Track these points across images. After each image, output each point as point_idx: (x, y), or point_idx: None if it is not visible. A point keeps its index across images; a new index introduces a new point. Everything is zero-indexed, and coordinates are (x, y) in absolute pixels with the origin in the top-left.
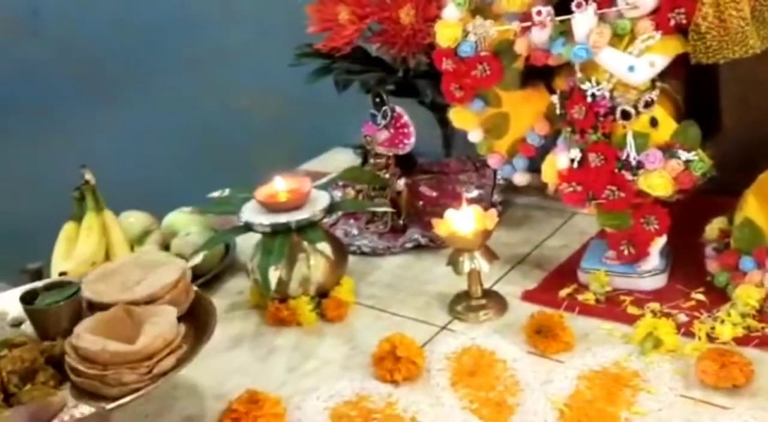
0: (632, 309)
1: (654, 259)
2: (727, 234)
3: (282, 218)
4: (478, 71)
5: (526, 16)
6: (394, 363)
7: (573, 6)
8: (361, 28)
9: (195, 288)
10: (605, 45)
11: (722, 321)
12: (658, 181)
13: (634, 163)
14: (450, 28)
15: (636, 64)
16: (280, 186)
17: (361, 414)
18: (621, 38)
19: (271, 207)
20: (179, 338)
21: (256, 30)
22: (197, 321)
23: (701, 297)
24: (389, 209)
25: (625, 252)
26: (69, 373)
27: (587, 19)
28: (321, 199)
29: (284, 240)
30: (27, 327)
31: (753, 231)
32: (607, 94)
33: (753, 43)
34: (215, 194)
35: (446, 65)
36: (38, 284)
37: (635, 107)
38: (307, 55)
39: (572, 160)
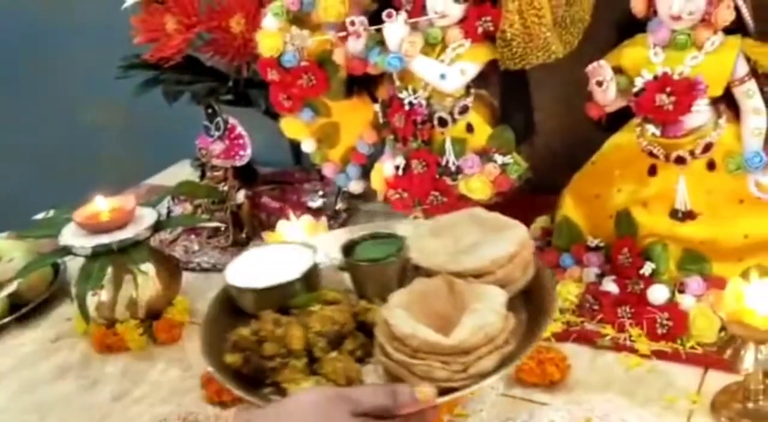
0: None
1: None
2: (548, 233)
3: (104, 239)
4: (304, 81)
5: (342, 26)
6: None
7: (384, 16)
8: (189, 38)
9: (537, 262)
10: (417, 53)
11: None
12: (477, 184)
13: (453, 168)
14: (271, 37)
15: (447, 72)
16: (101, 205)
17: None
18: (433, 47)
19: (91, 228)
20: (505, 333)
21: (100, 42)
22: (533, 305)
23: None
24: (218, 224)
25: None
26: (376, 349)
27: (398, 29)
28: (147, 217)
29: (105, 262)
30: (345, 279)
31: (571, 229)
32: (424, 102)
33: (556, 48)
34: (40, 216)
35: (272, 75)
36: (363, 232)
37: (451, 114)
38: (134, 67)
39: (397, 167)
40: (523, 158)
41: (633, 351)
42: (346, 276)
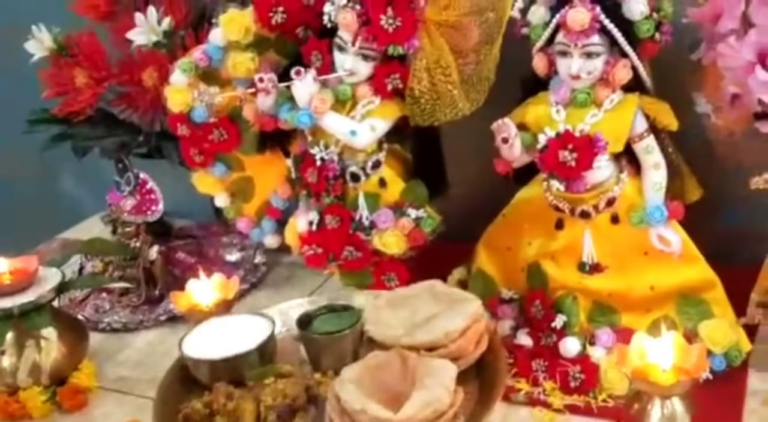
0: None
1: None
2: (465, 285)
3: (5, 302)
4: (215, 136)
5: (252, 83)
6: None
7: (293, 73)
8: (99, 92)
9: (491, 334)
10: (327, 110)
11: None
12: (392, 239)
13: (367, 223)
14: (180, 93)
15: (358, 129)
16: (1, 267)
17: None
18: (344, 103)
19: None
20: (454, 408)
21: (16, 89)
22: (484, 377)
23: None
24: (126, 285)
25: None
26: None
27: (308, 86)
28: (50, 279)
29: (5, 327)
30: (302, 350)
31: (485, 281)
32: (336, 158)
33: (462, 105)
34: None
35: (182, 131)
36: (318, 303)
37: (363, 169)
38: (41, 122)
39: (311, 223)
40: (436, 211)
41: (547, 405)
42: (303, 348)
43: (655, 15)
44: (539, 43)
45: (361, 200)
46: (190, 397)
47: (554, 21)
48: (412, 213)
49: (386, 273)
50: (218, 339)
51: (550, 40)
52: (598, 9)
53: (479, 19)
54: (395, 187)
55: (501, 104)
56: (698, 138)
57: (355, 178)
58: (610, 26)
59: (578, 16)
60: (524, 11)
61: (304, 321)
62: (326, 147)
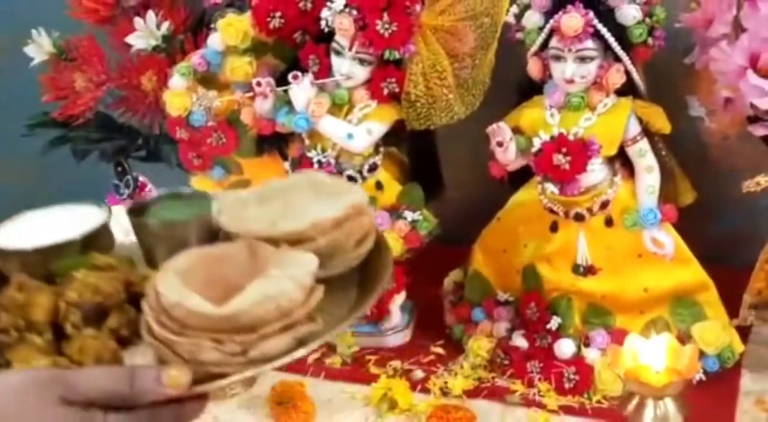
0: (375, 369)
1: (395, 317)
2: (462, 287)
3: None
4: (214, 139)
5: (250, 87)
6: None
7: (290, 78)
8: (98, 96)
9: (380, 237)
10: (324, 114)
11: (455, 374)
12: (389, 241)
13: None
14: (178, 97)
15: (354, 132)
16: None
17: None
18: (341, 107)
19: None
20: (306, 309)
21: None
22: (366, 285)
23: (440, 350)
24: None
25: (368, 313)
26: (142, 325)
27: (305, 90)
28: None
29: None
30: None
31: (481, 283)
32: (333, 161)
33: (458, 109)
34: None
35: (180, 134)
36: (162, 192)
37: (360, 172)
38: (41, 125)
39: None
40: (433, 214)
41: (542, 406)
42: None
43: (648, 20)
44: (534, 48)
45: None
46: None
47: (548, 26)
48: (409, 215)
49: None
50: (38, 231)
51: (545, 45)
52: (591, 14)
53: (474, 23)
54: (392, 189)
55: (496, 108)
56: (692, 141)
57: (352, 180)
58: (604, 31)
59: (572, 21)
60: (519, 16)
61: (138, 209)
62: (323, 150)
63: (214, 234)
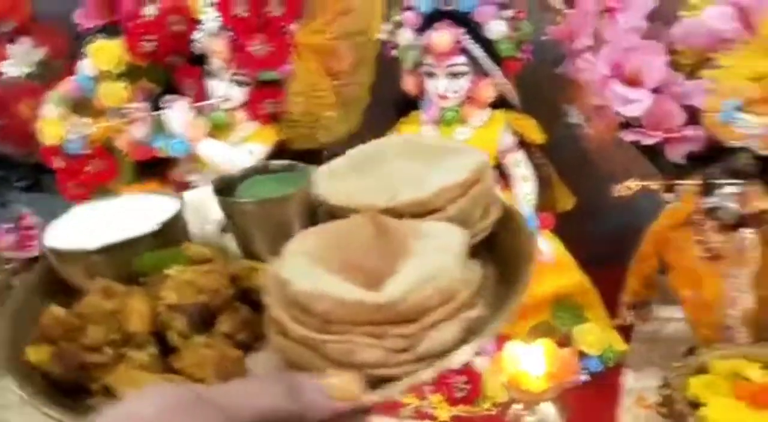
0: None
1: None
2: None
3: None
4: (92, 167)
5: (125, 112)
6: None
7: (166, 102)
8: None
9: (500, 196)
10: (202, 137)
11: None
12: None
13: None
14: (52, 125)
15: (234, 155)
16: None
17: None
18: (222, 129)
19: None
20: (469, 290)
21: None
22: (501, 258)
23: None
24: None
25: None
26: (268, 326)
27: (181, 114)
28: None
29: None
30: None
31: None
32: None
33: (340, 128)
34: None
35: (57, 163)
36: (248, 167)
37: None
38: None
39: None
40: None
41: (434, 418)
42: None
43: (515, 34)
44: (408, 64)
45: None
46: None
47: (420, 43)
48: None
49: None
50: (100, 226)
51: (419, 61)
52: (460, 30)
53: (351, 41)
54: None
55: (379, 125)
56: (572, 147)
57: None
58: (473, 47)
59: (441, 38)
60: (392, 33)
61: (227, 188)
62: (206, 174)
63: (314, 212)
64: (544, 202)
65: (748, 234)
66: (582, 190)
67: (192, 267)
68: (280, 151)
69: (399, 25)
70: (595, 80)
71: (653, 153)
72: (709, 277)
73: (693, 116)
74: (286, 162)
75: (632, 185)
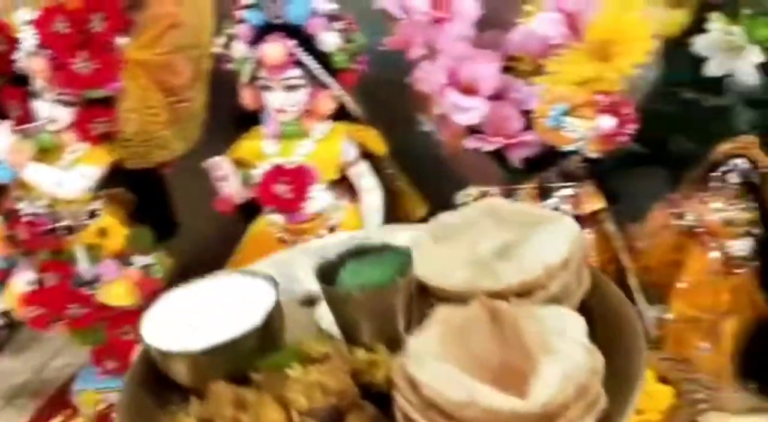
0: None
1: None
2: None
3: None
4: None
5: None
6: None
7: None
8: None
9: (590, 266)
10: (26, 162)
11: None
12: (120, 290)
13: (89, 276)
14: None
15: (64, 178)
16: None
17: None
18: (50, 152)
19: None
20: (598, 382)
21: None
22: (600, 332)
23: None
24: None
25: (110, 366)
26: None
27: (3, 138)
28: None
29: None
30: (325, 316)
31: None
32: (47, 211)
33: (176, 145)
34: None
35: None
36: (342, 249)
37: (79, 220)
38: None
39: (29, 282)
40: (168, 255)
41: None
42: (320, 316)
43: (348, 46)
44: (244, 78)
45: (80, 253)
46: (168, 408)
47: (253, 56)
48: (139, 260)
49: (122, 327)
50: (197, 318)
51: (255, 75)
52: (292, 43)
53: (185, 55)
54: (118, 235)
55: (219, 141)
56: (426, 155)
57: (71, 230)
58: (306, 59)
59: (273, 51)
60: (226, 46)
61: (328, 272)
62: (36, 200)
63: (410, 294)
64: (395, 212)
65: (584, 234)
66: (438, 198)
67: (314, 367)
68: (115, 172)
69: (232, 38)
70: (433, 90)
71: (501, 159)
72: None
73: (531, 122)
74: (381, 242)
75: (474, 193)
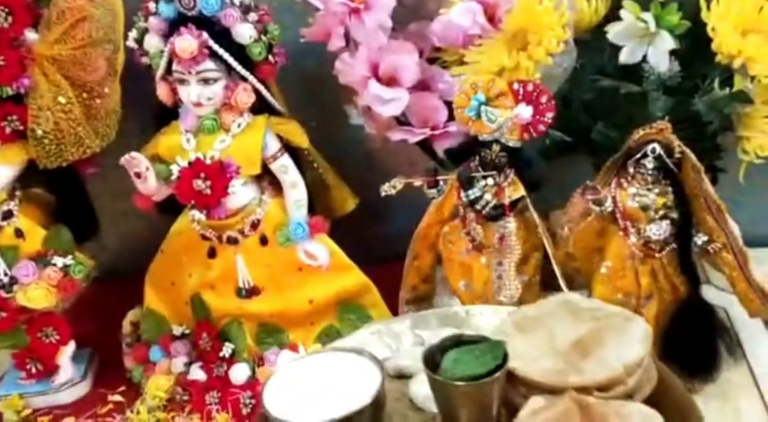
0: None
1: (67, 370)
2: (139, 327)
3: None
4: None
5: None
6: None
7: None
8: None
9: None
10: None
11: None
12: (38, 292)
13: (6, 279)
14: None
15: None
16: None
17: None
18: None
19: None
20: None
21: None
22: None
23: (119, 398)
24: None
25: (33, 370)
26: None
27: None
28: None
29: None
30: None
31: (156, 320)
32: None
33: (90, 142)
34: None
35: None
36: (444, 337)
37: None
38: None
39: None
40: (89, 255)
41: None
42: (415, 392)
43: (264, 38)
44: (159, 72)
45: None
46: None
47: (167, 49)
48: (59, 261)
49: (43, 329)
50: (308, 391)
51: (169, 69)
52: (205, 35)
53: (98, 50)
54: (35, 235)
55: (136, 137)
56: (357, 147)
57: None
58: (221, 51)
59: (185, 43)
60: (139, 40)
61: (432, 361)
62: None
63: (504, 385)
64: (321, 206)
65: (507, 223)
66: (370, 189)
67: None
68: (32, 171)
69: (145, 31)
70: (355, 82)
71: (430, 150)
72: (477, 268)
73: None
74: (478, 334)
75: (398, 184)
